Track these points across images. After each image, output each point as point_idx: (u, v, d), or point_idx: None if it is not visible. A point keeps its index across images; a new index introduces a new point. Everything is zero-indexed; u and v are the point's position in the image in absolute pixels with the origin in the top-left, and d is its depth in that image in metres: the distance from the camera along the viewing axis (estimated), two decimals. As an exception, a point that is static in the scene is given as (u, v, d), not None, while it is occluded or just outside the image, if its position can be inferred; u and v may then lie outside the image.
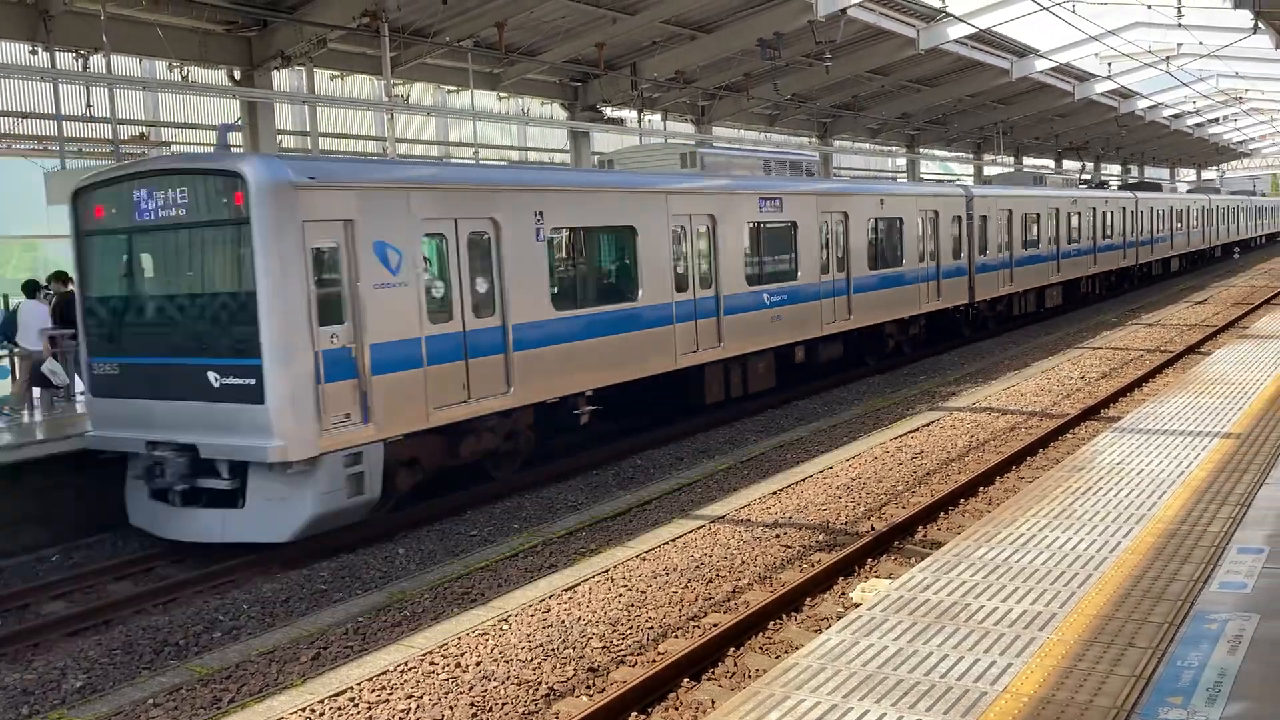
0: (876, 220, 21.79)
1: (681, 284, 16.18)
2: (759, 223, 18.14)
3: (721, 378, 17.21)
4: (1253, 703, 4.69)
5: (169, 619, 9.74)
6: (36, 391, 14.74)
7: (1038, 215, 30.10)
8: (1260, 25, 22.11)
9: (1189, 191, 53.45)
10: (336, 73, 22.73)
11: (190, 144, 21.97)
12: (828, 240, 19.98)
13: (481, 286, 12.76)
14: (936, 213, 24.23)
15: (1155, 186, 48.47)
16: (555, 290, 13.94)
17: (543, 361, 13.47)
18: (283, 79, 21.37)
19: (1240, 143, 70.94)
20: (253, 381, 10.52)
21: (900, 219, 22.74)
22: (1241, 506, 7.67)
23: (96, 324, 11.93)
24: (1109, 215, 36.40)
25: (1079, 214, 33.42)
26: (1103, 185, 42.58)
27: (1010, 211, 28.25)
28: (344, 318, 11.03)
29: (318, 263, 10.88)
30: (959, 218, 25.41)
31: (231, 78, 19.29)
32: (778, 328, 18.45)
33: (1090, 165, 55.36)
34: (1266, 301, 32.58)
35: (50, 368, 14.81)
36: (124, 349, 11.63)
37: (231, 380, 10.68)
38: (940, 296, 24.35)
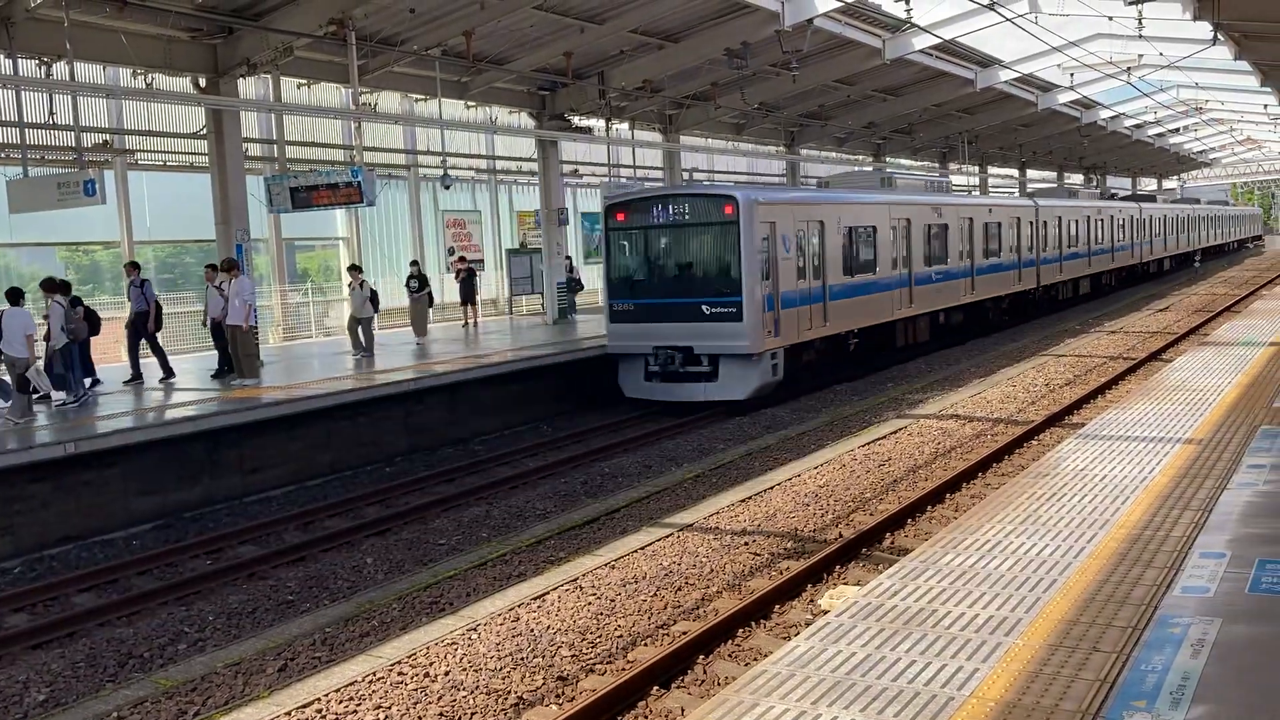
0: (986, 224, 29.70)
1: (894, 264, 23.82)
2: (929, 224, 25.93)
3: (905, 330, 24.84)
4: (1216, 705, 4.74)
5: (133, 631, 9.63)
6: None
7: (1077, 221, 37.95)
8: (1220, 37, 22.35)
9: (1174, 202, 60.05)
10: (303, 81, 22.60)
11: (154, 151, 21.85)
12: (962, 237, 27.71)
13: (816, 260, 20.37)
14: (1019, 219, 32.08)
15: (1151, 198, 55.03)
16: (844, 264, 21.47)
17: (840, 309, 21.15)
18: (249, 87, 21.24)
19: (1200, 152, 71.89)
20: (734, 310, 18.28)
21: (1000, 222, 30.62)
22: (1203, 511, 7.75)
23: (618, 280, 19.60)
24: (1124, 221, 44.08)
25: (1102, 220, 41.04)
26: (1113, 197, 46.01)
27: (1061, 218, 36.08)
28: (769, 276, 18.76)
29: (761, 245, 18.53)
30: (1031, 222, 33.20)
31: (196, 85, 19.12)
32: (936, 297, 26.20)
33: (1099, 178, 59.21)
34: (1227, 309, 32.97)
35: (33, 373, 14.54)
36: (637, 294, 19.28)
37: (718, 309, 18.39)
38: (1021, 281, 32.37)
